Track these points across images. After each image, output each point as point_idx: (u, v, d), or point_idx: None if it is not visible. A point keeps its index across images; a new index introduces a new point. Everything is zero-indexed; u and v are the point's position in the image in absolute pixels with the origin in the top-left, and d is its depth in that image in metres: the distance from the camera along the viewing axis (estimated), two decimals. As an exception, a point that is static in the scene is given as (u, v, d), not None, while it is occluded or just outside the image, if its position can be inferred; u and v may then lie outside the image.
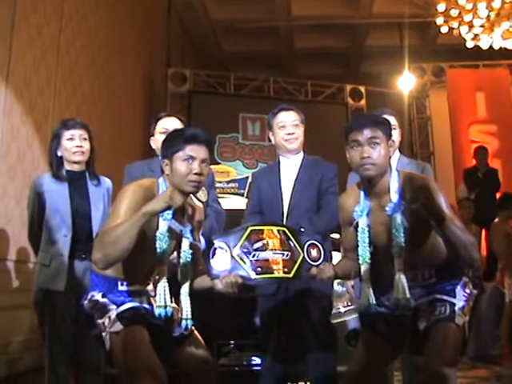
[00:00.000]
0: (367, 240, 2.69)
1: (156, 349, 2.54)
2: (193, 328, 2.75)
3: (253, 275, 2.70)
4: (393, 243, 2.61)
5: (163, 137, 3.49)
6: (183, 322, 2.67)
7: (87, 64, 6.72)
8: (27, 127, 5.37)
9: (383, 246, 2.71)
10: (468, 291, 2.70)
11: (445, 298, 2.62)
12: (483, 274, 6.92)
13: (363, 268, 2.72)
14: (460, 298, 2.64)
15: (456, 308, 2.59)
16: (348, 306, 4.51)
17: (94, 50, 6.92)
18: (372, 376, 2.84)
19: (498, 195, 8.07)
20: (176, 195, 2.51)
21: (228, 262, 2.69)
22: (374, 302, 2.70)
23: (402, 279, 2.60)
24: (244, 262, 2.70)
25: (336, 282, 3.99)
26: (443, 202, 2.54)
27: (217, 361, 4.32)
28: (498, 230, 6.71)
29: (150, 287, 2.75)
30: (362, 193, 2.75)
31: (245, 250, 2.73)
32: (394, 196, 2.65)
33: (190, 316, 2.68)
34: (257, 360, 4.29)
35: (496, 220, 6.83)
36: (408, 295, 2.59)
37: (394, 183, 2.68)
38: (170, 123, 3.68)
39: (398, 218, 2.60)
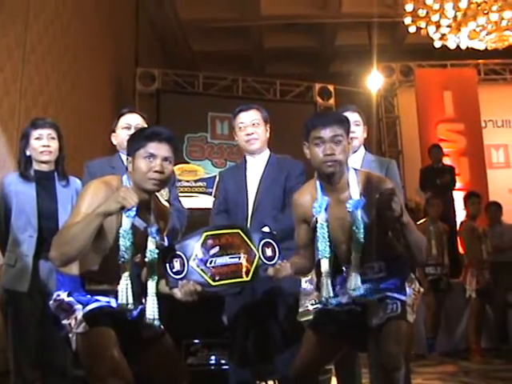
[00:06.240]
0: (327, 235, 2.73)
1: (124, 349, 2.50)
2: (164, 331, 2.73)
3: (211, 282, 2.67)
4: (353, 239, 2.67)
5: (125, 132, 3.61)
6: (150, 321, 2.64)
7: (54, 63, 6.65)
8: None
9: (340, 240, 2.77)
10: (416, 289, 2.79)
11: (396, 295, 2.70)
12: (450, 271, 7.03)
13: (323, 262, 2.75)
14: (409, 296, 2.72)
15: (406, 305, 2.68)
16: (316, 303, 4.52)
17: (60, 49, 6.84)
18: (317, 372, 2.91)
19: (453, 193, 8.29)
20: (130, 195, 2.43)
21: (185, 270, 2.66)
22: (332, 295, 2.75)
23: (356, 274, 2.68)
24: (201, 270, 2.67)
25: (304, 279, 4.00)
26: (403, 205, 2.61)
27: (184, 360, 4.32)
28: (465, 228, 6.82)
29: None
30: (319, 189, 2.78)
31: (201, 257, 2.69)
32: (355, 192, 2.70)
33: (157, 316, 2.66)
34: (225, 359, 4.28)
35: (464, 218, 6.94)
36: (361, 291, 2.68)
37: (352, 179, 2.74)
38: (132, 119, 3.70)
39: (359, 214, 2.65)
